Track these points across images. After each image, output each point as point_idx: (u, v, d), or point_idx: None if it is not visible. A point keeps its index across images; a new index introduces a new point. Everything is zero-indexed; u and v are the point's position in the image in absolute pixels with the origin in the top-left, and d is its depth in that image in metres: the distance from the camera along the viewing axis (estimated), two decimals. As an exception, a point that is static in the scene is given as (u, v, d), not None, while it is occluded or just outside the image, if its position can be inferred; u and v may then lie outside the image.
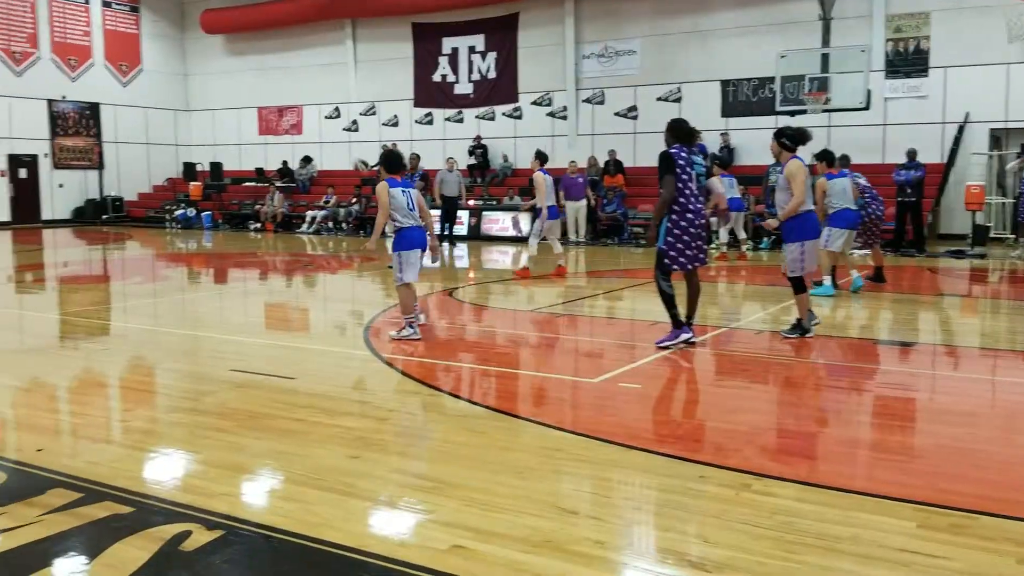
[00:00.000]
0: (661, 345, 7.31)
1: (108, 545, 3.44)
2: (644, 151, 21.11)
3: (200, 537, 3.52)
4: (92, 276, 15.01)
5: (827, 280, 10.64)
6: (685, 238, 7.21)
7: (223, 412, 5.57)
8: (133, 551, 3.39)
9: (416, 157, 14.06)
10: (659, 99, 21.78)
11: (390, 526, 3.75)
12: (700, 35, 21.24)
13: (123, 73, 28.34)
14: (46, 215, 26.49)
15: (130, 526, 3.64)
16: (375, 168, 24.24)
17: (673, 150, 7.27)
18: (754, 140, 19.43)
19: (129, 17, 28.51)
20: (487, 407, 5.73)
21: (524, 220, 12.67)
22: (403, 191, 7.79)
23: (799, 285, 7.88)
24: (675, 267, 7.28)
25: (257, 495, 4.18)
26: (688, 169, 7.24)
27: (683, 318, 7.42)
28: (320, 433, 5.03)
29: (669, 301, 7.34)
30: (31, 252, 19.08)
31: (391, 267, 12.58)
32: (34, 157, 26.23)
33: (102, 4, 27.65)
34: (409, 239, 7.81)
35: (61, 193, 27.00)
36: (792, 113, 17.85)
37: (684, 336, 7.31)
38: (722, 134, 20.48)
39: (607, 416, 5.48)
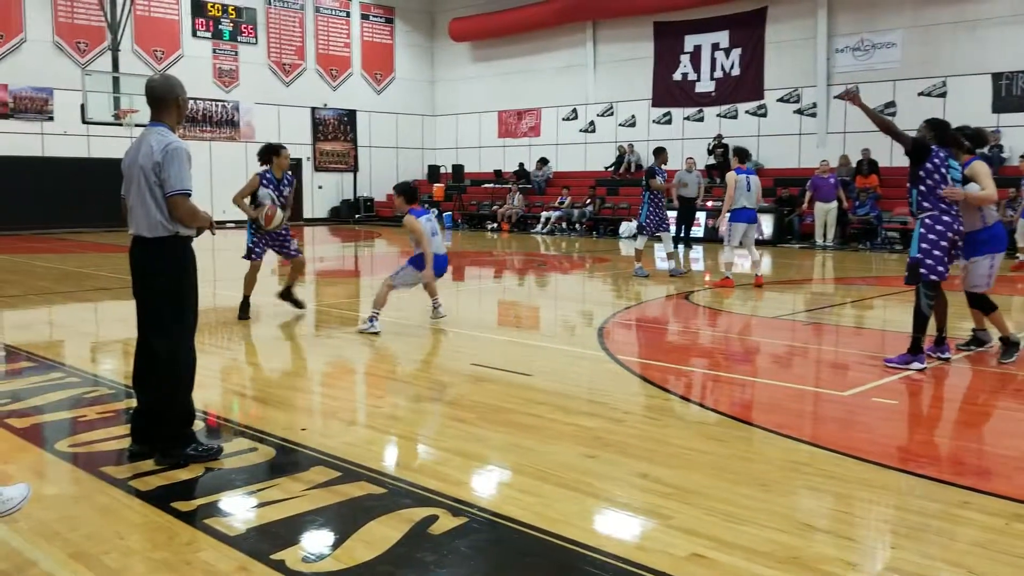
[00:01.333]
0: (890, 365, 6.74)
1: (364, 523, 3.65)
2: (902, 150, 19.61)
3: (446, 522, 3.66)
4: (345, 271, 16.14)
5: None
6: (943, 243, 6.68)
7: (463, 404, 5.78)
8: (386, 530, 3.58)
9: (662, 152, 13.71)
10: (921, 94, 20.17)
11: (628, 528, 3.71)
12: (968, 24, 19.46)
13: (377, 81, 30.30)
14: (307, 214, 28.82)
15: (383, 506, 3.85)
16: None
17: (933, 146, 6.77)
18: (1030, 139, 17.60)
19: (384, 28, 30.44)
20: (725, 415, 5.55)
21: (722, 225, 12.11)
22: (427, 220, 8.39)
23: (987, 303, 7.11)
24: (933, 277, 6.72)
25: (498, 486, 4.28)
26: (942, 170, 6.73)
27: (923, 339, 6.77)
28: (557, 430, 5.08)
29: (922, 323, 6.72)
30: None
31: (636, 274, 12.43)
32: (298, 161, 28.63)
33: (360, 17, 29.72)
34: (434, 265, 8.33)
35: (320, 194, 29.30)
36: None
37: (917, 365, 6.66)
38: (992, 132, 18.68)
39: (859, 432, 5.13)
